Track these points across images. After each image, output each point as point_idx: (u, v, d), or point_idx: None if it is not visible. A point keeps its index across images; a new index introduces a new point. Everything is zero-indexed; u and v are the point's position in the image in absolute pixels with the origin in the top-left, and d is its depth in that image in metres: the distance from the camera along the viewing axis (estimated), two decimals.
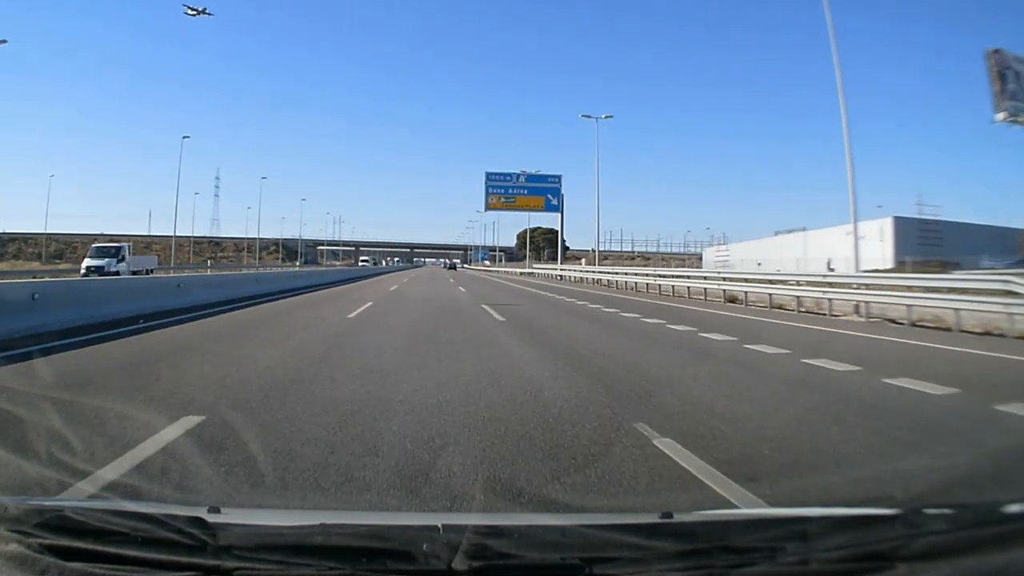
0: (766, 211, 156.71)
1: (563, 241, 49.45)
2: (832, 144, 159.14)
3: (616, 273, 29.28)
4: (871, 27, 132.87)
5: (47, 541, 1.08)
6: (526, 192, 46.32)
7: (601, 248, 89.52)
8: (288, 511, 2.30)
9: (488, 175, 46.40)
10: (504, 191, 46.14)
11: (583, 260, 67.48)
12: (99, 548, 1.06)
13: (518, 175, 46.42)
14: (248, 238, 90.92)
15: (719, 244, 55.22)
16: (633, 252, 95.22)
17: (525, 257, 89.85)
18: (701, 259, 58.14)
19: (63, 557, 1.05)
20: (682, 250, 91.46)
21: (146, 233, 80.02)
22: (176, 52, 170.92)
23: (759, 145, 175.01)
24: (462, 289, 22.93)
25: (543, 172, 47.83)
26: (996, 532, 1.14)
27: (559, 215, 47.34)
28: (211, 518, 1.19)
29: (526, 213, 52.33)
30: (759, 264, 26.72)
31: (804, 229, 43.60)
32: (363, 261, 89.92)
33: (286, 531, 1.19)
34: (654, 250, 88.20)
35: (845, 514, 1.47)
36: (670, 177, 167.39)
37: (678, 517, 1.38)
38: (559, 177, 47.78)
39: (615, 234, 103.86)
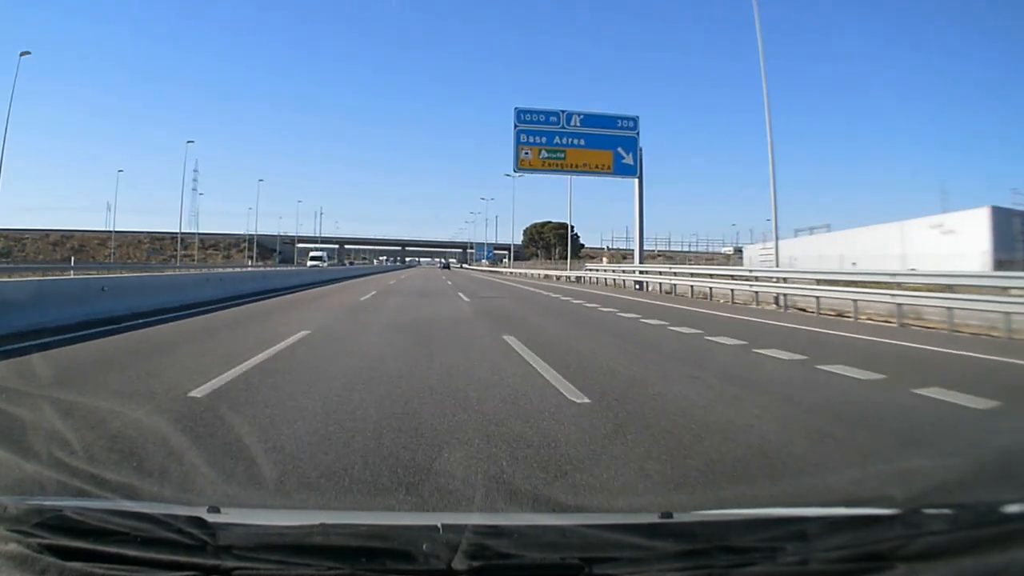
0: (765, 211, 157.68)
1: (642, 225, 30.45)
2: (838, 145, 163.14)
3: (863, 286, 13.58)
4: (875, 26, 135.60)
5: (47, 541, 1.19)
6: (583, 143, 29.34)
7: (613, 247, 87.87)
8: (288, 511, 2.45)
9: (519, 113, 29.31)
10: (547, 140, 29.28)
11: (604, 259, 65.08)
12: (99, 548, 1.17)
13: (570, 115, 29.47)
14: (221, 234, 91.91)
15: (761, 241, 53.88)
16: (655, 251, 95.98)
17: (533, 256, 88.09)
18: (729, 258, 57.17)
19: (63, 557, 1.16)
20: (691, 248, 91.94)
21: (103, 228, 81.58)
22: (152, 44, 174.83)
23: (761, 144, 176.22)
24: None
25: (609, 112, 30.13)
26: (996, 532, 1.26)
27: (635, 182, 29.73)
28: (211, 518, 1.31)
29: (568, 178, 36.95)
30: (854, 264, 26.07)
31: (828, 228, 42.57)
32: (313, 261, 67.24)
33: (286, 531, 1.31)
34: (665, 248, 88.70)
35: (845, 514, 1.60)
36: (670, 177, 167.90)
37: (678, 517, 1.52)
38: (635, 120, 29.79)
39: (620, 233, 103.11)
